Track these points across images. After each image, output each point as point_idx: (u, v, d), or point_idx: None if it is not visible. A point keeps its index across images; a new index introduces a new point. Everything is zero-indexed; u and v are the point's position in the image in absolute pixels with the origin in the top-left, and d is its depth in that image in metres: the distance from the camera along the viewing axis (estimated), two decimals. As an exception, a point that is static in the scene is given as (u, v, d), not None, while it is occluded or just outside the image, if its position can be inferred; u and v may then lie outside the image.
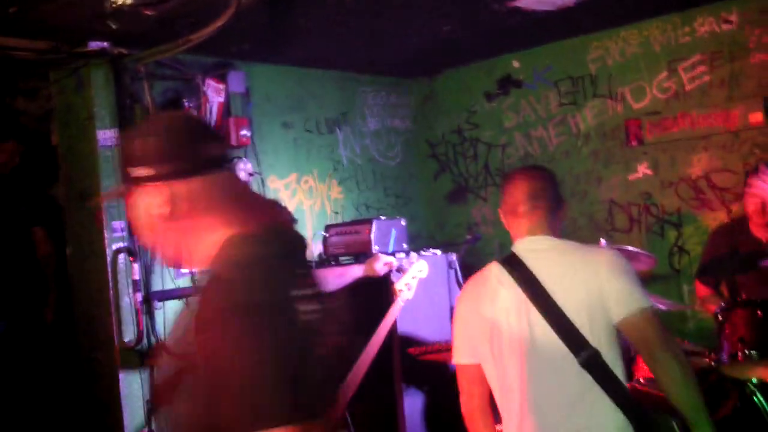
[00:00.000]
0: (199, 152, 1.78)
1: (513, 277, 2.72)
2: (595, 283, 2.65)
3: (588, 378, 2.62)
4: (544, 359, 2.67)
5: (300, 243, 1.83)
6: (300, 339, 1.61)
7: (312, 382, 1.59)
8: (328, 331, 1.70)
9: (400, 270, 4.47)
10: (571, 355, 2.63)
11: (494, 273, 2.79)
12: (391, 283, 4.51)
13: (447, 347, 4.06)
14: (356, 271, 4.39)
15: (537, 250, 2.77)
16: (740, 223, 4.79)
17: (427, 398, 5.13)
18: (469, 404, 2.87)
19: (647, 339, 2.64)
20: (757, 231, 4.64)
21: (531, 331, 2.66)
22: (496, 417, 2.87)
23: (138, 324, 4.96)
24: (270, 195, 5.68)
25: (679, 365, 2.57)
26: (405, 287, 4.40)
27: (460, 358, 2.86)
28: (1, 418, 4.94)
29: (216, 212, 1.77)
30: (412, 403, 5.04)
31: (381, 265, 4.40)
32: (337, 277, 4.28)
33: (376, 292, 4.71)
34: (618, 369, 2.66)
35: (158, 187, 1.75)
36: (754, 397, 4.08)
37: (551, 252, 2.77)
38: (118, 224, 4.94)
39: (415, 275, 4.44)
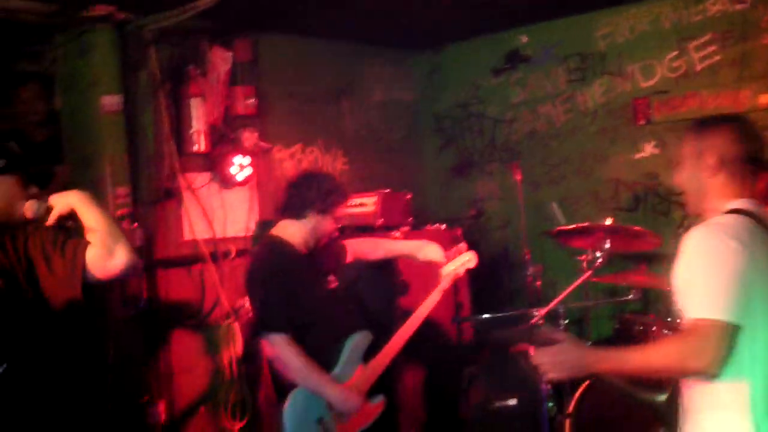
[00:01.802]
0: None
1: None
2: None
3: None
4: None
5: None
6: None
7: None
8: None
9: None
10: None
11: (749, 228, 2.50)
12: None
13: None
14: (406, 248, 4.52)
15: (762, 214, 2.56)
16: None
17: (427, 374, 5.13)
18: (716, 369, 2.35)
19: None
20: None
21: None
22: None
23: (142, 291, 4.93)
24: (275, 165, 5.63)
25: None
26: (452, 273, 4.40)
27: (731, 315, 2.35)
28: None
29: None
30: (412, 379, 5.05)
31: (432, 255, 4.42)
32: (386, 250, 4.48)
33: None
34: None
35: None
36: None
37: None
38: (122, 190, 4.90)
39: (464, 263, 4.41)
